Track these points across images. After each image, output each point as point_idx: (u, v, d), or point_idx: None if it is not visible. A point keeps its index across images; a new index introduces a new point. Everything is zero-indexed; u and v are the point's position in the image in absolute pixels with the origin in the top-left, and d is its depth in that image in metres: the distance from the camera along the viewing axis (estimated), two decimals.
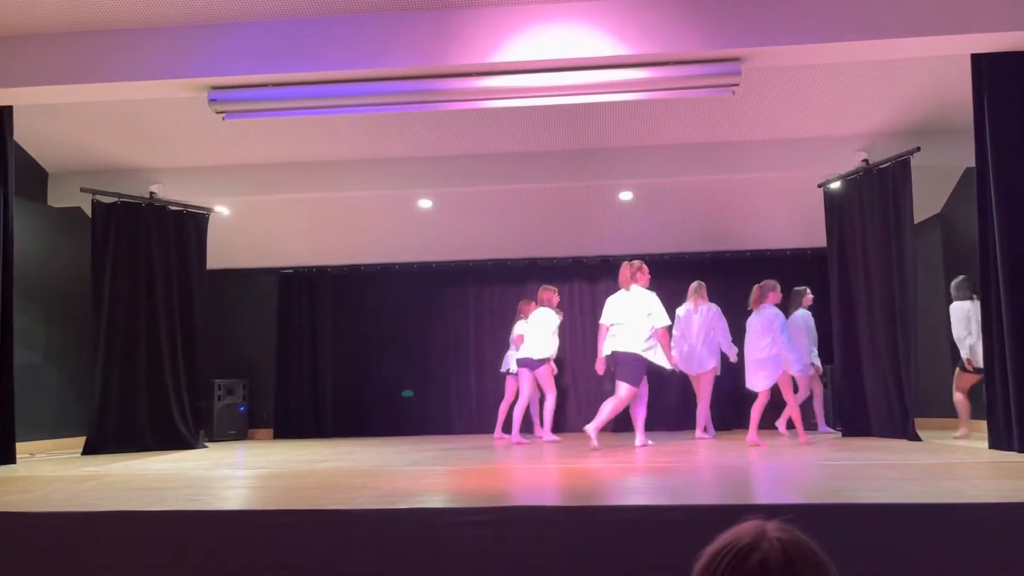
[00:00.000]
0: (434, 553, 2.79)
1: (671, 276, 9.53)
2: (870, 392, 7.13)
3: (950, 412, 8.31)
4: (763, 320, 6.76)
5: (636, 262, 6.93)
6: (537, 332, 7.76)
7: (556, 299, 8.13)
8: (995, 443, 5.48)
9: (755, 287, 7.00)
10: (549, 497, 3.51)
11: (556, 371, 7.99)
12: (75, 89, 5.96)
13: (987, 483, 3.49)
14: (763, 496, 3.48)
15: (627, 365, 6.58)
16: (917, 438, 6.47)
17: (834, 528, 2.63)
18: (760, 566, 0.96)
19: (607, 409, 6.57)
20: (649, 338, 6.62)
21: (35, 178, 8.08)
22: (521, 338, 8.00)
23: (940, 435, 7.21)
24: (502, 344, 10.07)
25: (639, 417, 6.81)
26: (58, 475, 5.12)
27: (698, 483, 4.04)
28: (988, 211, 5.56)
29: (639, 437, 6.75)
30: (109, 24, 5.80)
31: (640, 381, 6.61)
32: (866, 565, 2.53)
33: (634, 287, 6.78)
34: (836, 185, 7.66)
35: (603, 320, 6.86)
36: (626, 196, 8.68)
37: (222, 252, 9.23)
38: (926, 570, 2.59)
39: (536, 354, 7.69)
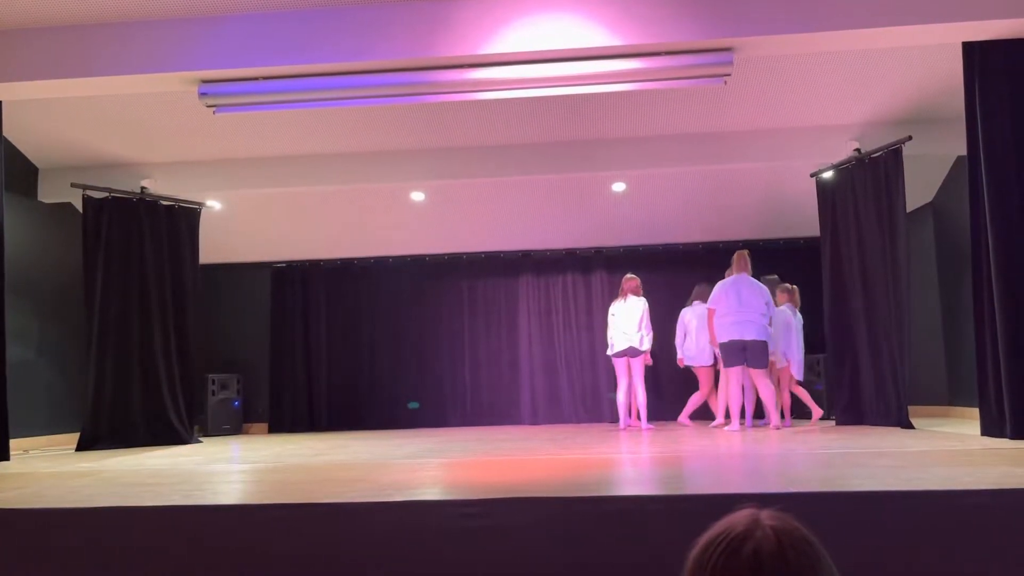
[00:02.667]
0: (430, 545, 2.80)
1: (664, 268, 9.57)
2: (863, 381, 7.16)
3: (942, 400, 8.38)
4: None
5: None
6: (639, 323, 7.83)
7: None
8: (987, 430, 5.52)
9: (795, 288, 7.95)
10: (545, 488, 3.51)
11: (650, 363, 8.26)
12: (64, 84, 5.93)
13: (979, 470, 3.51)
14: (755, 485, 3.49)
15: (761, 352, 7.01)
16: (910, 426, 6.50)
17: (828, 516, 2.65)
18: (753, 554, 0.96)
19: (769, 399, 7.02)
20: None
21: (25, 174, 8.04)
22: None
23: (933, 423, 7.24)
24: (496, 336, 10.08)
25: (738, 402, 7.15)
26: (52, 471, 5.11)
27: (691, 473, 4.05)
28: (980, 199, 5.58)
29: (736, 422, 7.06)
30: (98, 18, 5.76)
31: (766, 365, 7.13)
32: (860, 553, 2.55)
33: (744, 275, 7.17)
34: (828, 175, 7.67)
35: (726, 307, 7.11)
36: (619, 187, 8.68)
37: (215, 247, 9.21)
38: (920, 557, 2.61)
39: (643, 345, 7.80)
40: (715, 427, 7.49)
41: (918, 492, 2.88)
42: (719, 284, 7.29)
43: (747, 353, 6.97)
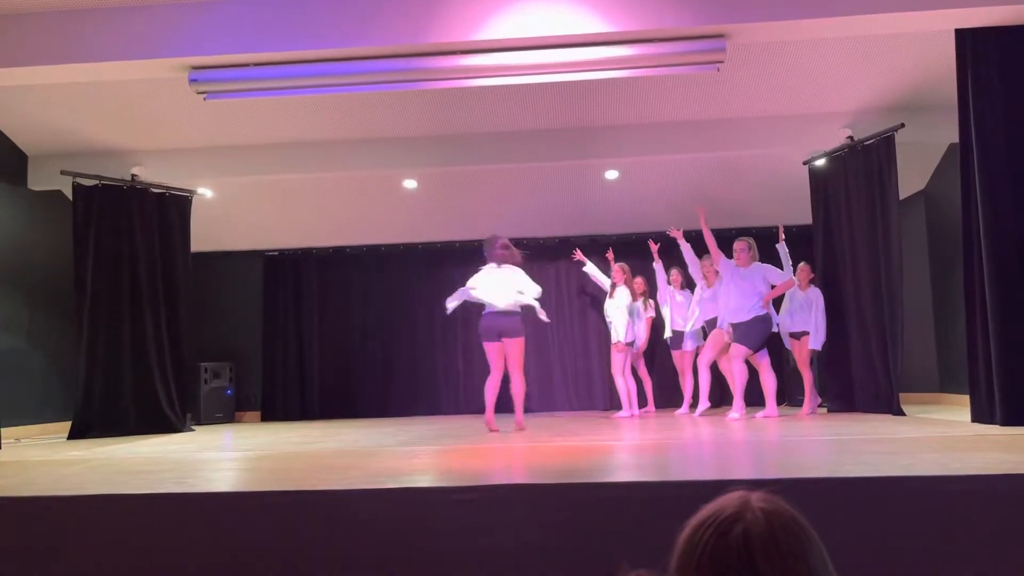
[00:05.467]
0: (424, 532, 2.80)
1: (659, 256, 9.54)
2: (855, 368, 7.18)
3: (933, 387, 8.41)
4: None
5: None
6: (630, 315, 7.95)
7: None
8: (977, 416, 5.55)
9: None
10: (537, 475, 3.52)
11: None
12: (54, 70, 5.87)
13: (970, 456, 3.53)
14: (747, 471, 3.50)
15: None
16: (901, 413, 6.53)
17: (819, 500, 2.66)
18: (743, 536, 0.96)
19: (772, 387, 7.04)
20: None
21: (14, 161, 7.97)
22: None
23: (924, 410, 7.27)
24: None
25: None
26: (43, 460, 5.10)
27: (684, 460, 4.07)
28: (971, 187, 5.59)
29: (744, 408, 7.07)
30: (88, 3, 5.70)
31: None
32: (850, 536, 2.56)
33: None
34: (821, 162, 7.67)
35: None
36: (612, 175, 8.66)
37: (206, 235, 9.15)
38: (910, 541, 2.62)
39: (622, 336, 7.97)
40: (764, 417, 6.92)
41: (909, 477, 2.90)
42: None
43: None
